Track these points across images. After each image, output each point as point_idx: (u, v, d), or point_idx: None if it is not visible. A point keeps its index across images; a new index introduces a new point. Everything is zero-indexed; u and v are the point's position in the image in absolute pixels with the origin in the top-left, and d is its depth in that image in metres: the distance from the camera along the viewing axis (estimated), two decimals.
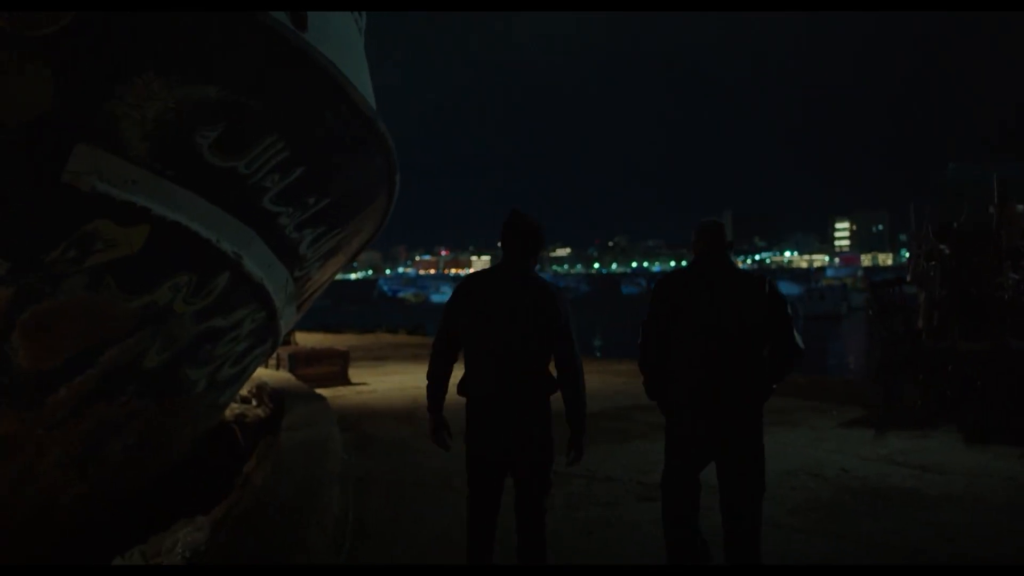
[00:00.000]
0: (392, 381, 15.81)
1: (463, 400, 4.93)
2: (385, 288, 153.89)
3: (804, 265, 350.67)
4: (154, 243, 6.01)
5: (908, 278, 12.93)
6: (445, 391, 5.04)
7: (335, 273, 9.14)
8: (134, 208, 5.74)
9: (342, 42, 6.95)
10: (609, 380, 15.43)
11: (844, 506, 7.14)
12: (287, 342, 17.89)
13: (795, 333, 4.91)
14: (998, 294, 10.86)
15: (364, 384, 15.42)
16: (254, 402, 13.04)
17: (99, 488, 7.44)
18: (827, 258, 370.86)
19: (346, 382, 15.47)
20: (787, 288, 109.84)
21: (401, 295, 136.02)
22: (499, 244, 4.97)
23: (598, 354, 33.69)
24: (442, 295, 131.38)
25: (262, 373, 13.89)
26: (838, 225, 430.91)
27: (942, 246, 11.75)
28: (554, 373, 4.85)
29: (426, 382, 5.08)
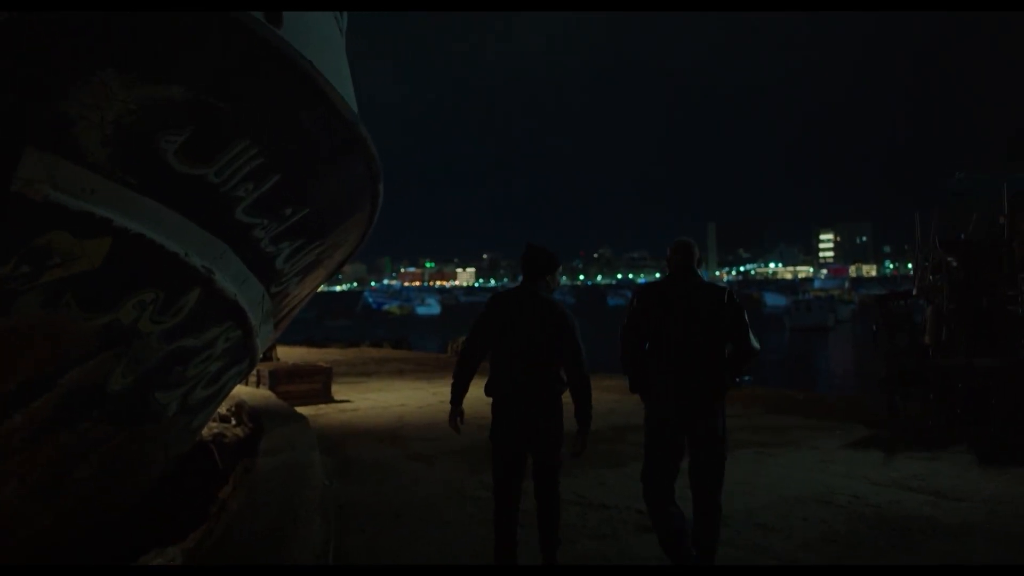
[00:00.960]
0: (376, 399, 15.29)
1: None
2: (370, 300, 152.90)
3: (789, 276, 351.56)
4: (116, 257, 5.51)
5: (914, 291, 12.53)
6: (466, 391, 6.02)
7: (315, 288, 8.65)
8: (93, 219, 5.23)
9: (321, 41, 6.48)
10: (600, 397, 14.79)
11: (861, 538, 6.69)
12: (268, 357, 17.36)
13: (751, 335, 5.78)
14: (1011, 307, 10.45)
15: (347, 402, 14.89)
16: (233, 421, 12.53)
17: (64, 519, 6.94)
18: (811, 269, 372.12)
19: (328, 399, 14.92)
20: (773, 300, 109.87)
21: (386, 308, 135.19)
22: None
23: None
24: (427, 307, 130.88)
25: (241, 391, 13.39)
26: (822, 236, 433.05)
27: (950, 258, 11.35)
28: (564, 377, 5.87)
29: (452, 381, 6.02)
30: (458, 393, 6.00)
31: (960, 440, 9.83)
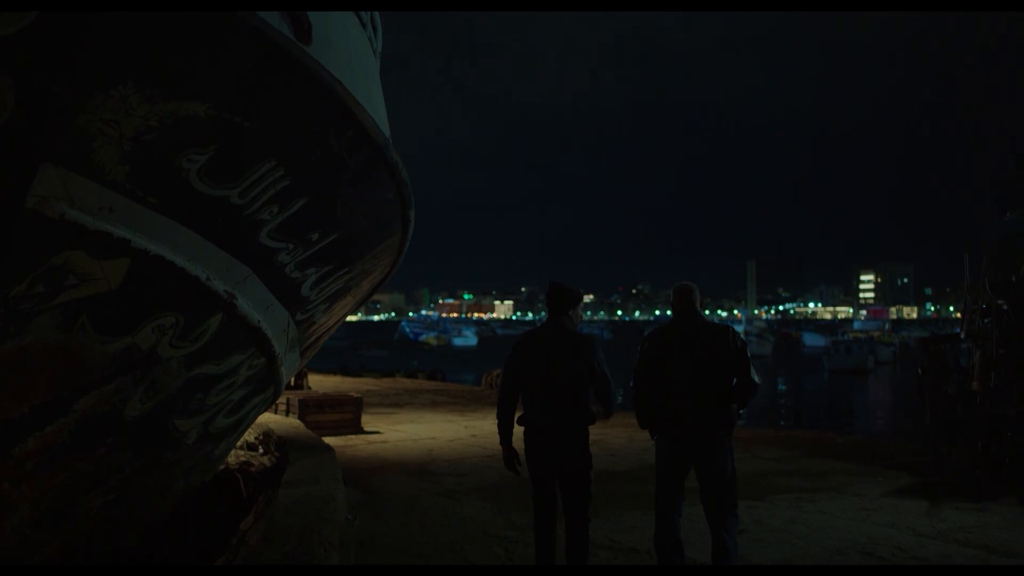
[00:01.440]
0: (406, 431, 15.05)
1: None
2: (407, 330, 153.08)
3: (828, 316, 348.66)
4: (134, 279, 5.34)
5: (962, 334, 12.12)
6: (512, 427, 6.45)
7: (343, 317, 8.44)
8: (111, 239, 5.06)
9: (352, 59, 6.29)
10: (634, 436, 14.60)
11: None
12: (299, 386, 17.21)
13: (752, 371, 6.21)
14: None
15: (377, 433, 14.66)
16: (261, 449, 12.33)
17: (75, 547, 6.74)
18: (851, 310, 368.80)
19: (358, 430, 14.70)
20: (812, 340, 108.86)
21: (423, 338, 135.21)
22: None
23: (623, 406, 31.65)
24: (464, 339, 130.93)
25: (269, 419, 13.21)
26: (863, 277, 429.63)
27: (1000, 301, 10.96)
28: (593, 408, 6.36)
29: (497, 421, 6.46)
30: (506, 433, 6.45)
31: (1009, 492, 9.42)
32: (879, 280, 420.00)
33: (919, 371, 12.25)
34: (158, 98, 4.69)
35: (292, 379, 17.56)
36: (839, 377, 62.64)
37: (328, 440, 13.15)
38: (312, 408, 14.42)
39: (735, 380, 6.24)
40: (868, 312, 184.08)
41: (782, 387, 56.58)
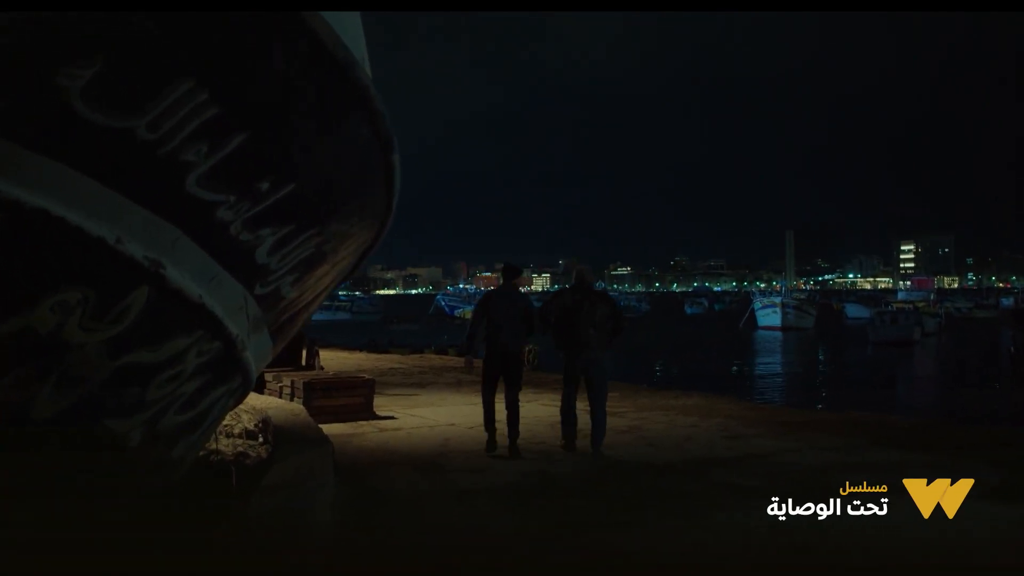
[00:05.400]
0: (423, 415, 13.66)
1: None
2: (443, 304, 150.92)
3: (868, 287, 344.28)
4: (10, 241, 4.01)
5: None
6: (479, 344, 10.84)
7: (326, 290, 7.01)
8: None
9: None
10: (675, 420, 13.20)
11: None
12: (311, 366, 15.89)
13: (622, 319, 11.10)
14: None
15: (391, 418, 13.26)
16: (260, 438, 11.00)
17: None
18: (891, 281, 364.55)
19: (370, 415, 13.28)
20: (855, 311, 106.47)
21: (458, 312, 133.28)
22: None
23: (663, 383, 27.88)
24: None
25: (269, 404, 11.86)
26: (903, 247, 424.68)
27: None
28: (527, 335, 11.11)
29: (468, 336, 11.30)
30: (472, 347, 11.48)
31: None
32: (919, 250, 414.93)
33: (1011, 348, 10.75)
34: None
35: (304, 359, 16.28)
36: (884, 349, 60.45)
37: (336, 427, 11.89)
38: (319, 392, 13.04)
39: (612, 323, 10.86)
40: (912, 282, 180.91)
41: (823, 363, 54.72)
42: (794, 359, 55.97)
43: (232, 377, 6.27)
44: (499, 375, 10.64)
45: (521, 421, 10.64)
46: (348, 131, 5.03)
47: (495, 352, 10.57)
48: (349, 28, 5.14)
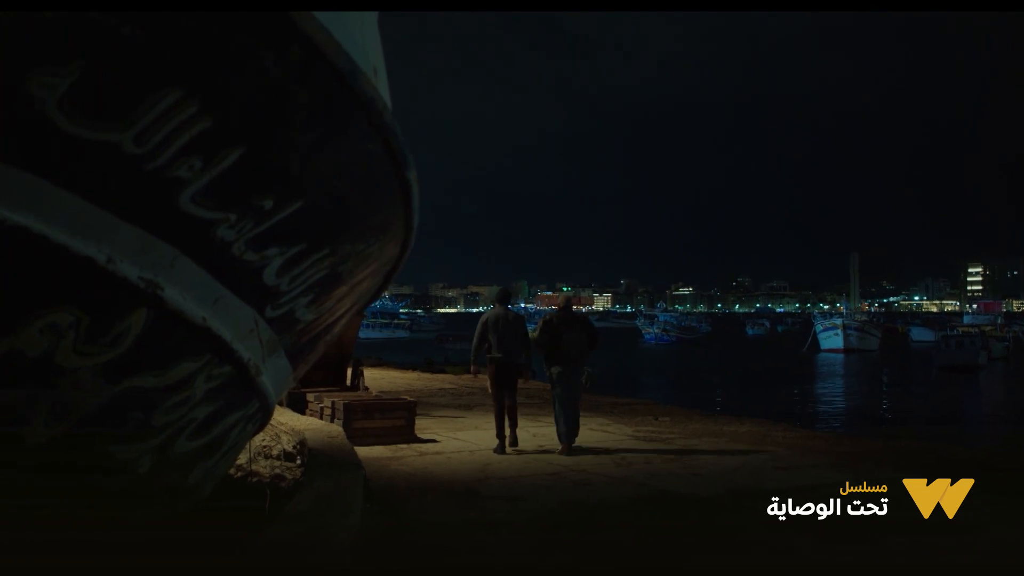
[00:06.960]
0: (466, 438, 13.39)
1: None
2: None
3: (934, 310, 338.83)
4: None
5: None
6: (482, 357, 12.94)
7: (347, 313, 6.72)
8: None
9: None
10: (726, 447, 12.74)
11: None
12: (355, 386, 15.68)
13: (598, 337, 13.14)
14: None
15: (432, 441, 12.99)
16: (298, 460, 10.79)
17: None
18: (958, 304, 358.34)
19: (411, 438, 12.98)
20: (920, 334, 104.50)
21: None
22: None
23: (718, 408, 27.66)
24: None
25: (308, 425, 11.67)
26: (971, 269, 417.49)
27: None
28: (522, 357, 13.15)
29: (473, 352, 13.12)
30: (478, 361, 13.25)
31: None
32: (987, 273, 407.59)
33: None
34: None
35: (348, 379, 16.07)
36: (948, 373, 58.86)
37: (376, 450, 11.67)
38: (359, 414, 12.79)
39: (590, 341, 12.77)
40: (979, 305, 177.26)
41: (887, 385, 53.46)
42: (855, 383, 54.74)
43: (248, 402, 6.03)
44: (502, 383, 12.70)
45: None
46: (355, 146, 4.76)
47: (495, 364, 12.71)
48: (357, 31, 4.86)
